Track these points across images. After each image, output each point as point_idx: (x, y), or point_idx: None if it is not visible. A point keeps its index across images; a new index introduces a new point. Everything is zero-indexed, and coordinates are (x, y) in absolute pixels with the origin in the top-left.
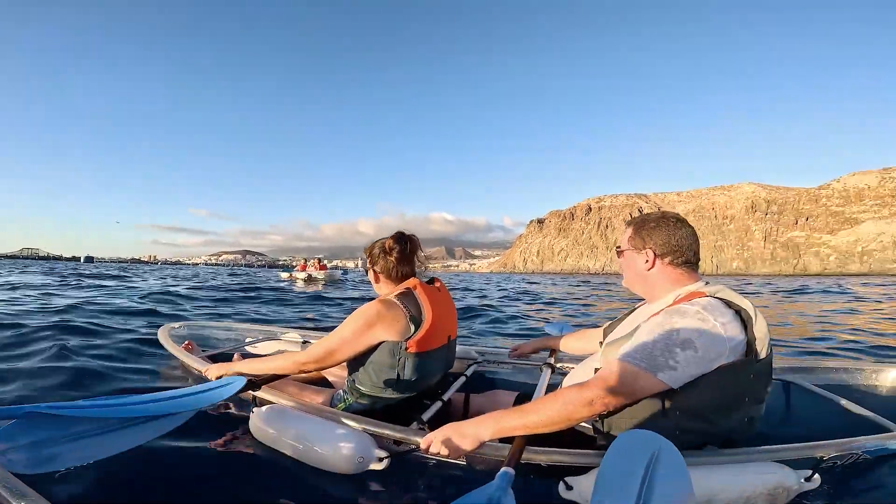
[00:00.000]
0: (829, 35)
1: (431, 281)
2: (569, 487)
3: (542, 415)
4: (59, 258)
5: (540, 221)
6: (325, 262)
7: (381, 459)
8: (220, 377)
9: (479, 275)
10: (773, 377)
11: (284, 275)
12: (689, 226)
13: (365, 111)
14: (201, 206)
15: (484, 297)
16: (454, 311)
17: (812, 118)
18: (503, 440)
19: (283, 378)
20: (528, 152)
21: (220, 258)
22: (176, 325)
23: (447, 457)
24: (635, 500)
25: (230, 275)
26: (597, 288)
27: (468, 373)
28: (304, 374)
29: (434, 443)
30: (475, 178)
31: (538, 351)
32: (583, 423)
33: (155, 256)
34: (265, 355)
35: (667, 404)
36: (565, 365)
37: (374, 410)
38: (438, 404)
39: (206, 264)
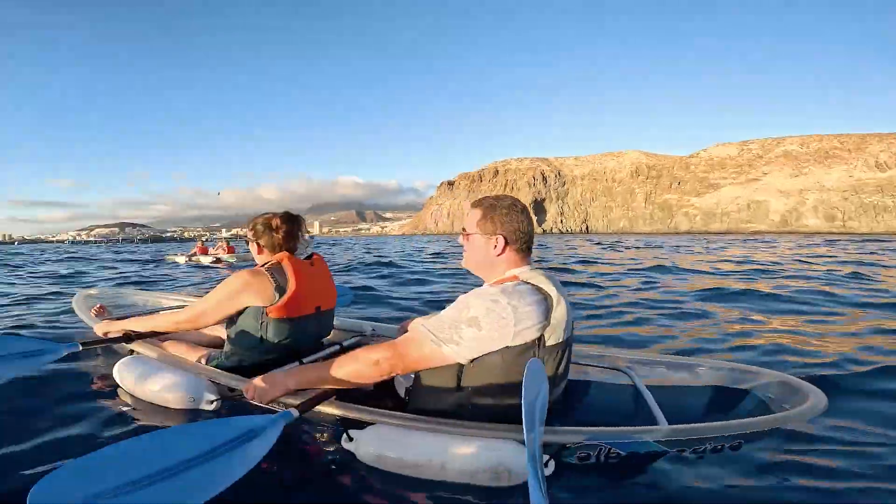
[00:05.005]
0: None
1: (310, 256)
2: (350, 438)
3: (339, 371)
4: None
5: (450, 184)
6: (224, 231)
7: (211, 402)
8: (106, 333)
9: (391, 237)
10: (610, 366)
11: (181, 259)
12: (529, 212)
13: (259, 68)
14: (63, 175)
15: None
16: (329, 284)
17: (687, 90)
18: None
19: (162, 335)
20: (439, 115)
21: (92, 233)
22: (93, 290)
23: (262, 401)
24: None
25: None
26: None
27: (345, 343)
28: (206, 337)
29: (251, 388)
30: (385, 142)
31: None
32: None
33: (10, 235)
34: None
35: (460, 378)
36: None
37: (240, 368)
38: (294, 365)
39: (74, 241)
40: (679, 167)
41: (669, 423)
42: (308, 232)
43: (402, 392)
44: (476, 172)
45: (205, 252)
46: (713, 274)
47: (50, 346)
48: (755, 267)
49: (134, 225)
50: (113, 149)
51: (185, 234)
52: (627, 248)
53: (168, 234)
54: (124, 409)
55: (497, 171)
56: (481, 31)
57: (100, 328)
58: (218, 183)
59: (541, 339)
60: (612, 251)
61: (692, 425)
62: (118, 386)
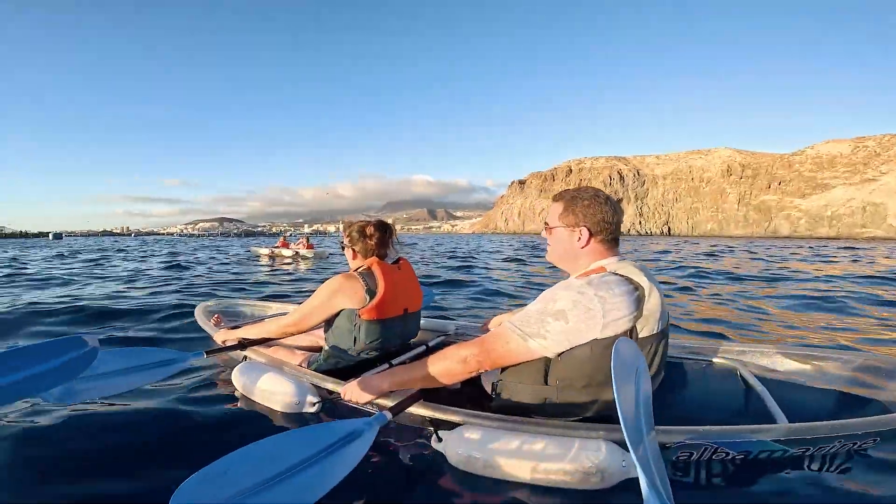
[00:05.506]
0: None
1: (397, 261)
2: (439, 439)
3: (429, 370)
4: (25, 235)
5: (521, 183)
6: (307, 226)
7: (313, 404)
8: (224, 341)
9: (461, 235)
10: (717, 359)
11: (264, 251)
12: (615, 202)
13: (339, 71)
14: (173, 174)
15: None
16: (415, 287)
17: (787, 87)
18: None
19: (272, 340)
20: (510, 115)
21: (196, 227)
22: (210, 302)
23: (357, 403)
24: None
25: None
26: None
27: (430, 343)
28: (307, 342)
29: (347, 391)
30: (456, 141)
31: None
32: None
33: (128, 228)
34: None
35: (547, 372)
36: None
37: (337, 370)
38: (385, 366)
39: (181, 234)
40: (780, 166)
41: (790, 421)
42: (395, 236)
43: (488, 388)
44: (548, 171)
45: (286, 246)
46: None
47: (180, 355)
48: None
49: (231, 220)
50: (213, 149)
51: (273, 230)
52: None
53: (258, 229)
54: (242, 411)
55: (570, 170)
56: (554, 29)
57: (218, 336)
58: (298, 180)
59: (632, 330)
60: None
61: (818, 423)
62: (236, 389)
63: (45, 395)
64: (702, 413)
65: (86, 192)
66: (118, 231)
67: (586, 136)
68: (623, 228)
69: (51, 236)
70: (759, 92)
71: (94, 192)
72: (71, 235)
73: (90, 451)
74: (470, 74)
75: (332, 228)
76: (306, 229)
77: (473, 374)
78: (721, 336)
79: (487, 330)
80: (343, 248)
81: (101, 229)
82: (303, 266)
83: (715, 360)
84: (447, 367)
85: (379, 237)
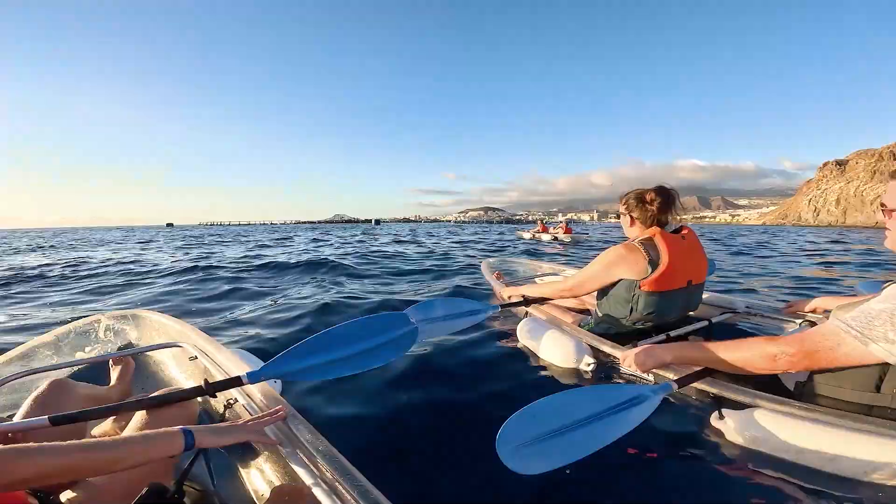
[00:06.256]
0: None
1: (679, 230)
2: (721, 417)
3: (724, 354)
4: (356, 221)
5: (839, 163)
6: (561, 215)
7: (589, 364)
8: (510, 297)
9: (745, 227)
10: None
11: (526, 234)
12: None
13: (588, 60)
14: (450, 170)
15: None
16: (701, 258)
17: None
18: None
19: (549, 300)
20: (814, 80)
21: (467, 215)
22: (493, 259)
23: (638, 370)
24: None
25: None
26: None
27: (714, 319)
28: (574, 304)
29: (627, 357)
30: (734, 119)
31: (819, 310)
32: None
33: (419, 216)
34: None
35: (883, 379)
36: None
37: (607, 336)
38: (661, 337)
39: (455, 222)
40: None
41: None
42: (682, 207)
43: (790, 385)
44: (885, 149)
45: (545, 231)
46: None
47: (484, 306)
48: None
49: (494, 209)
50: (480, 147)
51: (530, 217)
52: None
53: (517, 217)
54: (528, 362)
55: None
56: None
57: (505, 292)
58: (552, 170)
59: None
60: None
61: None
62: (519, 341)
63: None
64: None
65: (384, 183)
66: (413, 219)
67: None
68: None
69: (373, 222)
70: None
71: (393, 182)
72: (384, 222)
73: (421, 394)
74: (750, 30)
75: (585, 217)
76: (560, 217)
77: (778, 373)
78: None
79: (795, 314)
80: (620, 217)
81: (402, 217)
82: (561, 248)
83: None
84: (747, 358)
85: (661, 202)
